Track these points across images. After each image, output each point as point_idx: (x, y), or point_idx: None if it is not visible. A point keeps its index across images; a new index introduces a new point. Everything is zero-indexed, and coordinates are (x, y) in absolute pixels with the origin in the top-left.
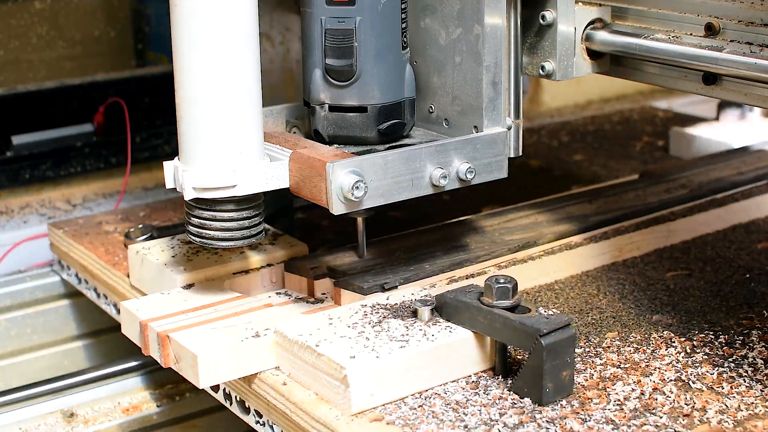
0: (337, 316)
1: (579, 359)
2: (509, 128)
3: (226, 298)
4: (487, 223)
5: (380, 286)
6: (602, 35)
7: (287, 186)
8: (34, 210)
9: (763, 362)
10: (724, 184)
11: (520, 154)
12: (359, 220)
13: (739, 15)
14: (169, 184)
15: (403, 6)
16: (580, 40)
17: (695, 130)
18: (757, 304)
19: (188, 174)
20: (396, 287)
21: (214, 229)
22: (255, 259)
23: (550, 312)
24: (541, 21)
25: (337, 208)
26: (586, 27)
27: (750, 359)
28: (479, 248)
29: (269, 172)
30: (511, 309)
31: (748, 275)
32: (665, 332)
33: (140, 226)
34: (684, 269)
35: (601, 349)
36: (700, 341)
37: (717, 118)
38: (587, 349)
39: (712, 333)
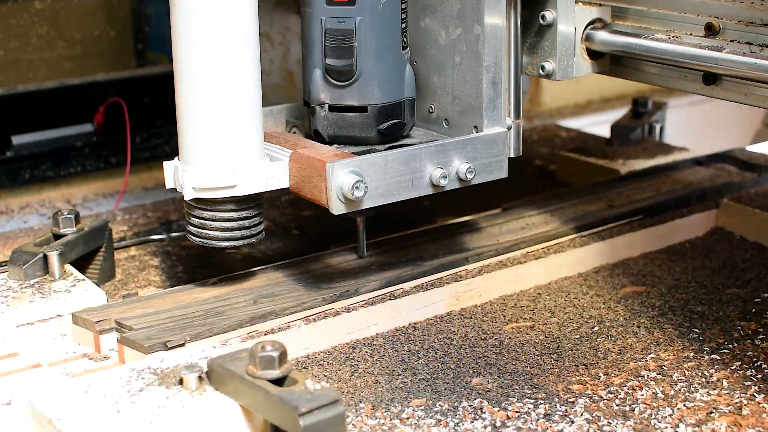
0: (97, 382)
1: None
2: (509, 128)
3: None
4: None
5: (163, 343)
6: (602, 35)
7: (287, 186)
8: (34, 210)
9: None
10: (593, 220)
11: (521, 154)
12: (358, 220)
13: (739, 15)
14: (169, 184)
15: (403, 6)
16: (580, 40)
17: (584, 155)
18: (596, 364)
19: (188, 174)
20: (183, 345)
21: (213, 229)
22: (45, 308)
23: (318, 386)
24: (541, 21)
25: (337, 208)
26: (586, 27)
27: None
28: (289, 298)
29: (269, 172)
30: (278, 381)
31: (596, 328)
32: (477, 400)
33: None
34: (526, 320)
35: (397, 421)
36: (515, 412)
37: (610, 141)
38: (382, 422)
39: (531, 401)
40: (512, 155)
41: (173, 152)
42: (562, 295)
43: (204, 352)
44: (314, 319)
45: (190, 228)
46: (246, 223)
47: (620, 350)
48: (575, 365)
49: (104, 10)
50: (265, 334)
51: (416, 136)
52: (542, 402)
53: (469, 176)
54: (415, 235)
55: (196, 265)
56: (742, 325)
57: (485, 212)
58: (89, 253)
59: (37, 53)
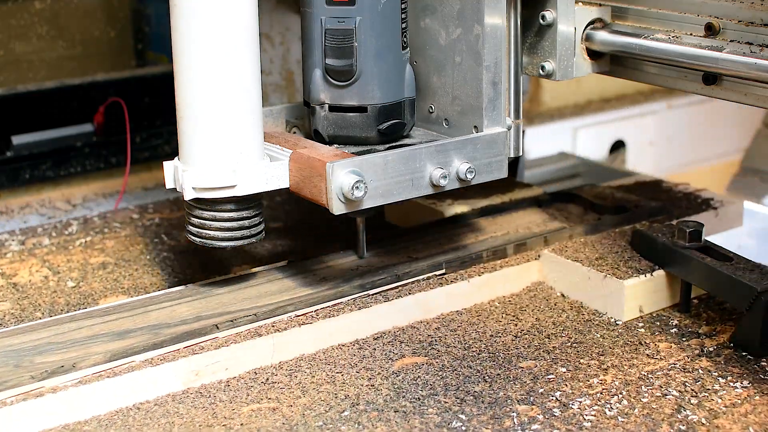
0: None
1: None
2: (509, 128)
3: None
4: None
5: None
6: (602, 35)
7: (287, 186)
8: (34, 210)
9: None
10: (383, 276)
11: (520, 154)
12: (358, 220)
13: (739, 15)
14: (169, 184)
15: (403, 6)
16: (580, 40)
17: None
18: None
19: (188, 174)
20: None
21: (213, 229)
22: None
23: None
24: (541, 21)
25: (338, 208)
26: (586, 27)
27: None
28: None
29: (269, 172)
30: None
31: (346, 412)
32: None
33: None
34: (271, 400)
35: None
36: None
37: None
38: None
39: None
40: (512, 155)
41: (173, 152)
42: (326, 368)
43: None
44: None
45: (190, 228)
46: (246, 223)
47: None
48: None
49: (104, 10)
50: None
51: (416, 136)
52: None
53: (469, 176)
54: (156, 298)
55: None
56: (519, 410)
57: (263, 266)
58: None
59: (37, 53)
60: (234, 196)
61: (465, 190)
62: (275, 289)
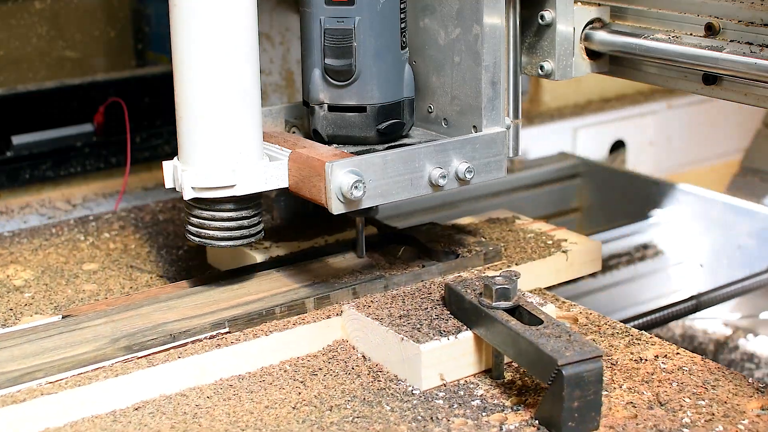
0: None
1: None
2: (508, 128)
3: None
4: None
5: None
6: (601, 35)
7: (287, 186)
8: (34, 210)
9: None
10: (135, 342)
11: (519, 154)
12: (358, 219)
13: (739, 15)
14: (168, 184)
15: (402, 6)
16: (579, 39)
17: None
18: None
19: (187, 174)
20: None
21: (213, 228)
22: None
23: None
24: (540, 21)
25: (337, 208)
26: (585, 27)
27: None
28: None
29: (268, 171)
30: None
31: None
32: None
33: None
34: None
35: None
36: None
37: None
38: None
39: None
40: (511, 155)
41: (173, 152)
42: None
43: None
44: None
45: (189, 228)
46: (245, 222)
47: None
48: None
49: (104, 10)
50: None
51: (415, 136)
52: None
53: (468, 176)
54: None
55: None
56: None
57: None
58: None
59: (37, 53)
60: (233, 196)
61: (275, 234)
62: (31, 351)
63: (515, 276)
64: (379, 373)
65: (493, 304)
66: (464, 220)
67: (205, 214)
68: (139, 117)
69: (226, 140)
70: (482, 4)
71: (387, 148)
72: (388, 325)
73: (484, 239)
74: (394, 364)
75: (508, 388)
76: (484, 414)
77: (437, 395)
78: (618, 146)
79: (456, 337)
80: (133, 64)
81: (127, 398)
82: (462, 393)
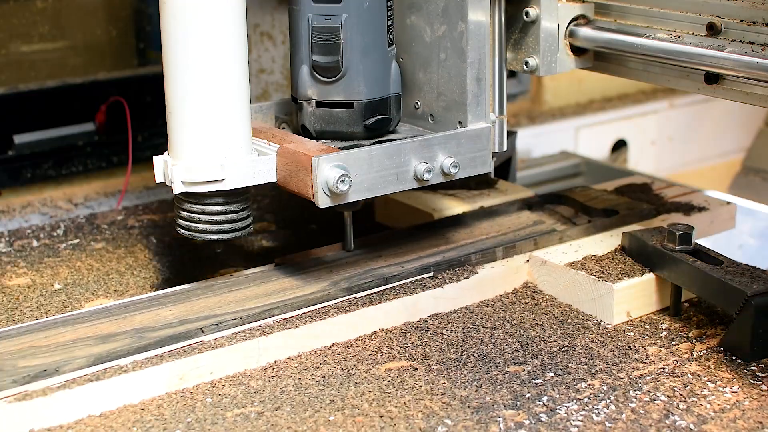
0: None
1: None
2: (493, 123)
3: None
4: None
5: None
6: (585, 31)
7: (275, 180)
8: (36, 209)
9: None
10: (371, 279)
11: (504, 149)
12: (346, 213)
13: (741, 14)
14: (158, 179)
15: (389, 4)
16: (564, 36)
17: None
18: None
19: (177, 168)
20: None
21: (202, 222)
22: None
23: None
24: (524, 17)
25: (323, 202)
26: (570, 23)
27: None
28: None
29: (257, 166)
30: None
31: (333, 417)
32: None
33: None
34: (255, 405)
35: None
36: None
37: None
38: None
39: None
40: (496, 150)
41: None
42: (312, 372)
43: None
44: None
45: (180, 221)
46: (234, 216)
47: None
48: None
49: (106, 9)
50: None
51: (402, 132)
52: None
53: (453, 170)
54: (140, 301)
55: None
56: (505, 415)
57: (252, 268)
58: None
59: (38, 52)
60: (222, 190)
61: (455, 192)
62: (261, 292)
63: (690, 226)
64: (569, 311)
65: (677, 248)
66: (609, 184)
67: (195, 207)
68: (140, 116)
69: (214, 135)
70: (467, 2)
71: (374, 144)
72: (577, 268)
73: (631, 200)
74: (583, 303)
75: (687, 322)
76: (673, 343)
77: (627, 328)
78: (620, 145)
79: (641, 277)
80: (135, 63)
81: (352, 332)
82: (648, 326)
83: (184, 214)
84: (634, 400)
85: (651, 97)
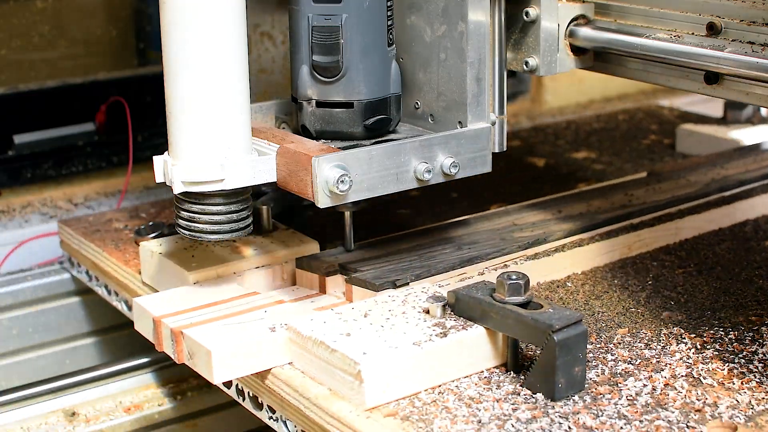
0: (349, 311)
1: (590, 355)
2: (493, 123)
3: (238, 294)
4: (496, 221)
5: (392, 282)
6: (585, 31)
7: (274, 180)
8: (36, 209)
9: None
10: (731, 183)
11: (504, 149)
12: (346, 213)
13: (741, 14)
14: (158, 178)
15: (389, 4)
16: (564, 36)
17: (703, 129)
18: (767, 301)
19: (177, 168)
20: (407, 284)
21: (202, 222)
22: (266, 256)
23: (562, 308)
24: (524, 17)
25: (323, 202)
26: (570, 23)
27: (760, 355)
28: (489, 245)
29: (257, 166)
30: (523, 305)
31: (756, 272)
32: (675, 329)
33: (150, 223)
34: (693, 267)
35: (612, 345)
36: (710, 337)
37: (724, 117)
38: (598, 346)
39: (722, 329)
40: (496, 150)
41: None
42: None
43: (425, 291)
44: (515, 263)
45: (180, 221)
46: (234, 216)
47: None
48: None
49: (106, 9)
50: (477, 275)
51: (402, 132)
52: None
53: (453, 170)
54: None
55: None
56: None
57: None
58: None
59: (38, 52)
60: (222, 190)
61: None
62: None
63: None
64: None
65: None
66: None
67: (195, 207)
68: (140, 116)
69: (214, 135)
70: (467, 2)
71: (374, 144)
72: None
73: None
74: None
75: None
76: None
77: None
78: None
79: None
80: (135, 63)
81: None
82: None
83: (184, 214)
84: None
85: (651, 96)
